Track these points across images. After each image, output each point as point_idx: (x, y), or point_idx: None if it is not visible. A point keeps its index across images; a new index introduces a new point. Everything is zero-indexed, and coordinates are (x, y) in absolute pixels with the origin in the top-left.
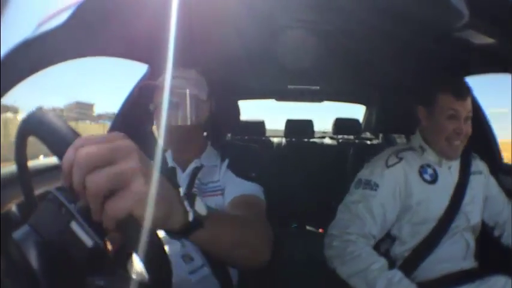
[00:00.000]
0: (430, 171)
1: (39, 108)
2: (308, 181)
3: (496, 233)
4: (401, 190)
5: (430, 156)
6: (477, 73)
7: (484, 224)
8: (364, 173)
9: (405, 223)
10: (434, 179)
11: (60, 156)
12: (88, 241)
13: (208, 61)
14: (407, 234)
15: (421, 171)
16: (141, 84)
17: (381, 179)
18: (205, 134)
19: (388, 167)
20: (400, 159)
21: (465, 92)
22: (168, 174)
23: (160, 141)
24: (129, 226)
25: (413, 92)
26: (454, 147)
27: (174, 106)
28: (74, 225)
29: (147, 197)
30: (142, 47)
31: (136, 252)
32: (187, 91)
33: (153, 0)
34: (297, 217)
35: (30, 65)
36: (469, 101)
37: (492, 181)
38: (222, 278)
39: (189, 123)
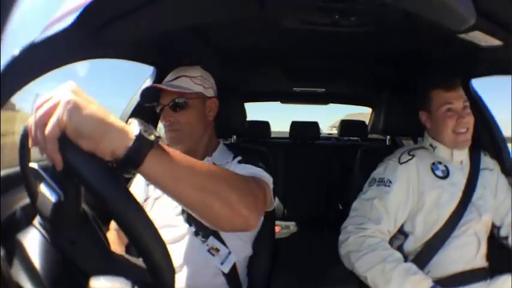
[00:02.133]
0: (441, 167)
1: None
2: (314, 184)
3: (503, 232)
4: (414, 186)
5: (441, 152)
6: (484, 75)
7: (493, 222)
8: (378, 171)
9: (419, 218)
10: (446, 175)
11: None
12: (53, 196)
13: (214, 63)
14: (421, 229)
15: (433, 167)
16: (144, 89)
17: (394, 175)
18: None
19: (401, 163)
20: (413, 156)
21: (454, 83)
22: None
23: (170, 142)
24: (67, 149)
25: (409, 100)
26: (462, 135)
27: (180, 106)
28: (42, 187)
29: (73, 107)
30: (149, 49)
31: (90, 189)
32: (194, 90)
33: (160, 2)
34: (304, 219)
35: (37, 67)
36: (460, 91)
37: (502, 180)
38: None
39: (194, 122)
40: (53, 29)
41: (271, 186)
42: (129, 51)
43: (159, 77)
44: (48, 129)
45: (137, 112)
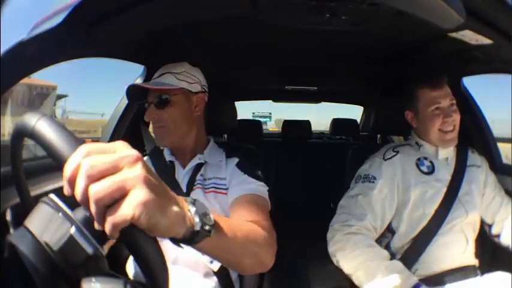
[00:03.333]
0: (426, 163)
1: (36, 111)
2: (306, 182)
3: (494, 231)
4: (399, 181)
5: (427, 150)
6: (475, 73)
7: (483, 220)
8: (363, 168)
9: (404, 214)
10: (431, 171)
11: (58, 159)
12: (88, 248)
13: (205, 61)
14: (406, 226)
15: (418, 163)
16: (127, 88)
17: (378, 171)
18: None
19: (385, 160)
20: (397, 152)
21: (440, 81)
22: (166, 171)
23: (156, 139)
24: (131, 234)
25: (400, 99)
26: (449, 134)
27: (163, 103)
28: (74, 232)
29: (150, 206)
30: (139, 48)
31: (136, 259)
32: (176, 86)
33: (150, 1)
34: (296, 218)
35: (26, 65)
36: (447, 89)
37: (492, 178)
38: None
39: (179, 118)
40: (41, 27)
41: (267, 196)
42: (119, 50)
43: (149, 76)
44: (116, 218)
45: (129, 109)
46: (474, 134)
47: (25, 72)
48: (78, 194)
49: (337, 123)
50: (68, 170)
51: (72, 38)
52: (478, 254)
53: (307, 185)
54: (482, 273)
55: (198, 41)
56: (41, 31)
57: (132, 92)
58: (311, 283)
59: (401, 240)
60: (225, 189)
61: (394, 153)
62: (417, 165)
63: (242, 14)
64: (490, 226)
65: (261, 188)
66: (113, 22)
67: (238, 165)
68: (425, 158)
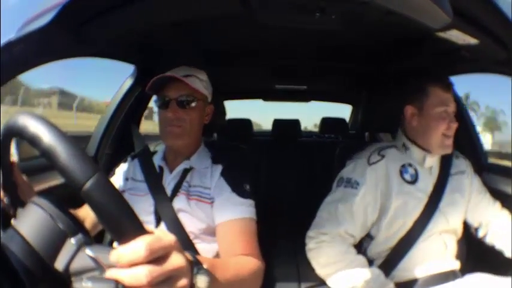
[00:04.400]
0: (411, 171)
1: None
2: (296, 182)
3: (481, 233)
4: (383, 188)
5: (414, 154)
6: (463, 73)
7: (469, 224)
8: (346, 170)
9: (382, 222)
10: (414, 180)
11: (48, 157)
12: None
13: (195, 60)
14: (385, 234)
15: (402, 170)
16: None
17: (362, 177)
18: None
19: (370, 164)
20: (382, 156)
21: (450, 84)
22: (153, 174)
23: (167, 137)
24: None
25: (401, 92)
26: (449, 140)
27: (187, 103)
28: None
29: None
30: (130, 48)
31: None
32: (203, 91)
33: (141, 1)
34: (286, 218)
35: (14, 65)
36: (452, 95)
37: (476, 181)
38: None
39: (195, 122)
40: (30, 26)
41: (254, 212)
42: (109, 49)
43: (140, 76)
44: None
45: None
46: (460, 134)
47: (13, 72)
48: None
49: (326, 122)
50: (123, 263)
51: (62, 38)
52: (463, 257)
53: (297, 184)
54: (463, 275)
55: (188, 40)
56: (30, 30)
57: (158, 81)
58: (301, 279)
59: (378, 247)
60: (209, 198)
61: (380, 158)
62: (401, 173)
63: (232, 13)
64: (476, 229)
65: (248, 209)
66: (104, 22)
67: (223, 173)
68: (410, 165)
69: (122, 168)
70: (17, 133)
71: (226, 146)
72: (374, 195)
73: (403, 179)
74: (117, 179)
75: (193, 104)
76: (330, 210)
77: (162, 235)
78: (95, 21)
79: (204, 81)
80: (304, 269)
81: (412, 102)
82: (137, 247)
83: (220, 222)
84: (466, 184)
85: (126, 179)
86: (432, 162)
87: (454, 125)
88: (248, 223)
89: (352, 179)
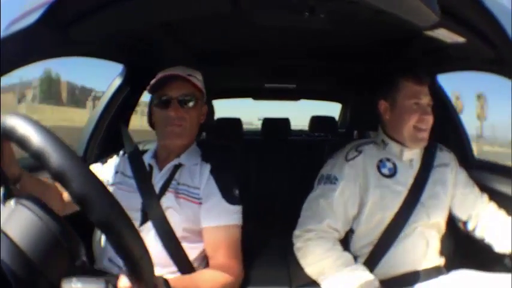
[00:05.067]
0: (389, 165)
1: (14, 113)
2: (287, 180)
3: (470, 226)
4: (361, 183)
5: (392, 149)
6: (450, 71)
7: (457, 218)
8: (325, 168)
9: (362, 216)
10: (392, 173)
11: (38, 158)
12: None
13: (184, 60)
14: (364, 229)
15: (379, 165)
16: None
17: (340, 173)
18: None
19: (347, 160)
20: (360, 152)
21: (425, 79)
22: (143, 173)
23: (167, 137)
24: None
25: (375, 88)
26: (422, 132)
27: (188, 102)
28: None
29: None
30: (118, 47)
31: None
32: (201, 90)
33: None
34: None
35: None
36: (427, 89)
37: (462, 174)
38: None
39: (195, 121)
40: (16, 26)
41: (241, 217)
42: (97, 49)
43: (129, 75)
44: None
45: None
46: (448, 131)
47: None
48: None
49: (315, 120)
50: None
51: (49, 37)
52: (449, 253)
53: (287, 182)
54: (448, 272)
55: (177, 39)
56: (16, 29)
57: (162, 80)
58: (292, 279)
59: (360, 241)
60: (198, 198)
61: (357, 154)
62: (378, 168)
63: (222, 13)
64: (465, 223)
65: (235, 216)
66: (92, 22)
67: (212, 173)
68: (388, 160)
69: (113, 160)
70: (6, 135)
71: (216, 144)
72: (353, 190)
73: (381, 173)
74: (108, 170)
75: (193, 103)
76: (312, 207)
77: None
78: (82, 21)
79: (200, 81)
80: (294, 269)
81: (384, 97)
82: None
83: (207, 226)
84: (449, 177)
85: (116, 172)
86: (411, 155)
87: (427, 117)
88: (233, 230)
89: (331, 175)
